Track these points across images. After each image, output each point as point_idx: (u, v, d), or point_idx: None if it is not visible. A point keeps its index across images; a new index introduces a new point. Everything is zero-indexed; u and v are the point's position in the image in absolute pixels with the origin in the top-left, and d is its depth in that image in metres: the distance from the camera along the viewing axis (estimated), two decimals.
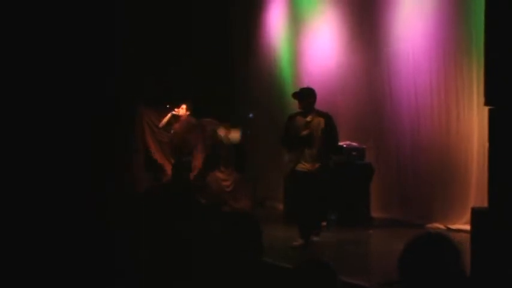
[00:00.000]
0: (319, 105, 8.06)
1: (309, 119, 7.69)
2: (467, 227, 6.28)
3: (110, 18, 11.35)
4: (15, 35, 10.59)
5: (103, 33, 11.23)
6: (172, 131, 10.09)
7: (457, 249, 2.35)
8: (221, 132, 10.12)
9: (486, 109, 5.06)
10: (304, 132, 7.58)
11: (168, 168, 11.06)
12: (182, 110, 10.01)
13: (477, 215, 4.97)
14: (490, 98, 4.90)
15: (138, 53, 11.47)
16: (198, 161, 11.14)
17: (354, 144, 9.61)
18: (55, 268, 4.82)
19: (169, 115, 10.11)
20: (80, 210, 7.67)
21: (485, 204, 4.97)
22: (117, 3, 11.49)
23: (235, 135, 10.19)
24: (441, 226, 8.69)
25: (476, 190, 8.22)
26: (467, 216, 7.50)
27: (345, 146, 9.49)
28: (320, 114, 7.77)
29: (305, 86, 8.29)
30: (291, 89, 11.52)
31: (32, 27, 10.69)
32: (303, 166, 7.61)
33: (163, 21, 11.81)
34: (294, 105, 11.32)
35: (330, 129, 7.70)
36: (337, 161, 9.34)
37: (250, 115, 9.29)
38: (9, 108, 10.32)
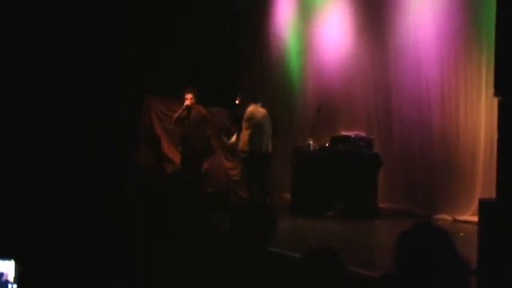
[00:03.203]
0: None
1: None
2: (475, 219, 6.27)
3: (110, 18, 11.32)
4: (16, 35, 10.59)
5: (103, 33, 11.21)
6: (186, 123, 9.95)
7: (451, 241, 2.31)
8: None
9: (494, 100, 5.05)
10: None
11: (175, 157, 10.99)
12: (187, 101, 9.90)
13: (484, 206, 4.95)
14: (499, 89, 4.88)
15: (140, 49, 11.44)
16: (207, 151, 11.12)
17: (362, 134, 9.59)
18: (54, 268, 4.82)
19: (180, 110, 9.94)
20: (79, 209, 7.67)
21: (493, 195, 4.96)
22: (117, 3, 11.46)
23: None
24: (448, 217, 8.68)
25: (483, 181, 8.21)
26: (474, 207, 7.51)
27: (352, 136, 9.47)
28: None
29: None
30: (299, 79, 11.52)
31: (33, 27, 10.68)
32: None
33: (166, 13, 11.78)
34: (301, 96, 11.38)
35: None
36: (345, 151, 9.33)
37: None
38: (9, 108, 10.32)
